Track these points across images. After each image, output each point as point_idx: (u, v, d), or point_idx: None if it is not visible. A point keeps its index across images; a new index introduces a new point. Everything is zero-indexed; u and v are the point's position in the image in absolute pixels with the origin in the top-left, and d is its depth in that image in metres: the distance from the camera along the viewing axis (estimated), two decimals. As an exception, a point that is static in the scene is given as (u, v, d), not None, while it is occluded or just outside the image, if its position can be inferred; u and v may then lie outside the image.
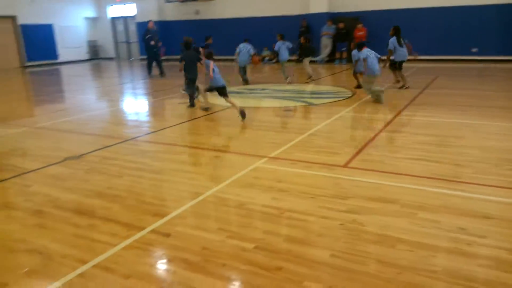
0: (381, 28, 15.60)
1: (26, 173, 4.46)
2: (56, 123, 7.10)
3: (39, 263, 2.66)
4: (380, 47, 15.61)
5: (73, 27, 21.35)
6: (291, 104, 8.17)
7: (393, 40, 9.18)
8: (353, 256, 2.63)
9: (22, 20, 18.96)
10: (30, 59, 19.39)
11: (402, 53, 9.14)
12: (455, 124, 6.05)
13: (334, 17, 16.32)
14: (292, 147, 5.10)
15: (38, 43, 19.41)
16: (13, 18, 18.78)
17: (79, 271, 2.55)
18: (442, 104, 7.47)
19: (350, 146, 5.05)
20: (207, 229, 3.06)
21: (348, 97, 8.65)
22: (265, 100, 8.84)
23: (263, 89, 10.33)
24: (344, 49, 15.88)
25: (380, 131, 5.73)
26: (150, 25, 15.05)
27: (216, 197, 3.65)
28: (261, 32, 18.37)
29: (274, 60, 17.69)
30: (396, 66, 9.29)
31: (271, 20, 18.03)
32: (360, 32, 15.36)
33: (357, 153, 4.77)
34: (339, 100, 8.38)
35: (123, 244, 2.86)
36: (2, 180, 4.28)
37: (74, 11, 21.35)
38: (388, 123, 6.12)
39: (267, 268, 2.52)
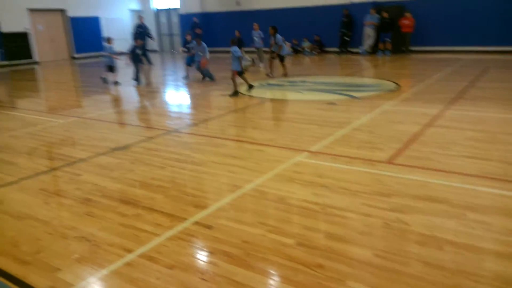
0: (428, 18, 15.00)
1: (76, 162, 4.68)
2: (103, 113, 7.37)
3: (88, 250, 2.79)
4: (426, 37, 15.11)
5: (118, 19, 21.99)
6: (332, 97, 8.04)
7: (280, 37, 11.10)
8: (397, 257, 2.56)
9: (71, 13, 19.75)
10: (78, 51, 20.20)
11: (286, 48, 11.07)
12: (506, 119, 5.73)
13: (377, 6, 15.82)
14: (333, 142, 5.02)
15: (85, 35, 20.16)
16: (62, 11, 19.60)
17: (125, 259, 2.65)
18: (492, 98, 7.09)
19: (394, 142, 4.91)
20: (248, 222, 3.08)
21: (392, 90, 8.39)
22: (305, 93, 8.75)
23: (303, 82, 10.22)
24: (388, 39, 15.39)
25: (427, 126, 5.52)
26: (141, 20, 15.54)
27: (256, 190, 3.67)
28: (302, 22, 18.14)
29: (314, 52, 17.45)
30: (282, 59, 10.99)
31: (312, 10, 17.75)
32: (406, 21, 14.81)
33: (402, 149, 4.63)
34: (383, 93, 8.15)
35: (166, 235, 2.94)
36: (54, 169, 4.51)
37: (119, 3, 21.97)
38: (435, 118, 5.89)
39: (308, 264, 2.51)
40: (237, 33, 14.66)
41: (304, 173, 4.02)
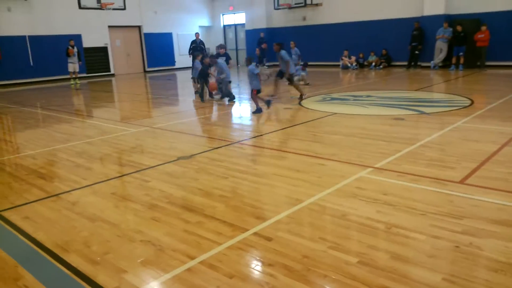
0: (505, 31, 14.04)
1: (145, 169, 4.92)
2: (171, 124, 7.71)
3: (153, 254, 2.89)
4: (503, 52, 14.10)
5: (189, 35, 23.04)
6: (399, 112, 7.74)
7: (285, 54, 9.55)
8: (469, 283, 2.37)
9: (146, 29, 21.06)
10: (150, 65, 21.43)
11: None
12: None
13: (451, 19, 15.10)
14: (400, 158, 4.81)
15: (158, 50, 21.35)
16: (139, 28, 20.96)
17: (187, 265, 2.71)
18: None
19: (467, 161, 4.60)
20: (308, 237, 3.03)
21: (466, 106, 7.91)
22: (370, 107, 8.52)
23: (368, 96, 9.97)
24: (461, 53, 14.59)
25: (504, 145, 5.12)
26: (197, 36, 15.83)
27: (317, 205, 3.61)
28: (369, 36, 17.81)
29: (381, 66, 17.00)
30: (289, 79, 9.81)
31: (380, 24, 17.36)
32: (482, 35, 13.96)
33: (476, 168, 4.32)
34: (455, 109, 7.70)
35: (227, 244, 2.97)
36: (125, 175, 4.78)
37: (191, 21, 23.06)
38: (514, 137, 5.44)
39: (371, 285, 2.40)
40: (257, 52, 14.62)
41: (367, 190, 3.89)
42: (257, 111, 8.32)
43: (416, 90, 10.77)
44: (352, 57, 17.83)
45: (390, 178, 4.18)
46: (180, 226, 3.31)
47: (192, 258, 2.80)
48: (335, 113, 7.91)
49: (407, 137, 5.78)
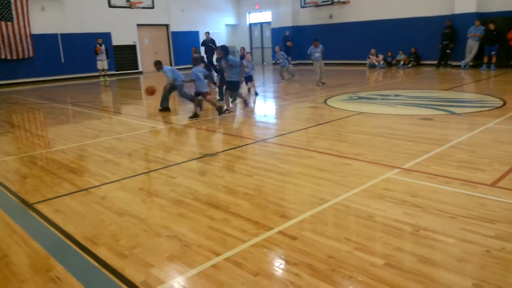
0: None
1: (171, 165, 4.99)
2: (197, 121, 7.78)
3: (179, 250, 2.93)
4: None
5: (215, 34, 23.21)
6: (429, 112, 7.57)
7: (233, 58, 8.60)
8: (502, 290, 2.30)
9: (174, 27, 21.32)
10: (177, 63, 21.68)
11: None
12: None
13: (483, 17, 14.64)
14: (428, 159, 4.71)
15: (185, 48, 21.57)
16: (167, 26, 21.25)
17: (212, 262, 2.74)
18: None
19: (500, 163, 4.45)
20: (334, 237, 3.00)
21: (497, 107, 7.65)
22: (398, 107, 8.36)
23: (396, 96, 9.79)
24: (493, 53, 14.13)
25: (540, 148, 4.93)
26: (207, 36, 15.76)
27: (343, 205, 3.57)
28: (397, 34, 17.49)
29: (410, 65, 16.66)
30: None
31: (409, 22, 17.01)
32: (516, 33, 13.48)
33: (509, 171, 4.17)
34: (486, 110, 7.47)
35: (252, 241, 2.98)
36: (152, 170, 4.86)
37: (217, 19, 23.21)
38: (550, 139, 5.23)
39: (398, 288, 2.36)
40: (277, 49, 14.45)
41: (394, 191, 3.82)
42: (194, 116, 7.95)
43: (446, 90, 10.50)
44: (379, 55, 17.54)
45: (418, 179, 4.09)
46: (206, 223, 3.34)
47: (218, 254, 2.82)
48: (362, 112, 7.80)
49: (436, 138, 5.64)
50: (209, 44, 16.13)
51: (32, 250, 3.04)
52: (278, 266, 2.68)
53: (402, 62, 16.96)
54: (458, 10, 15.33)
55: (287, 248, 2.88)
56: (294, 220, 3.32)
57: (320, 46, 12.20)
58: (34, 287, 2.56)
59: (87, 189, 4.31)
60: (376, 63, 17.46)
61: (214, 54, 15.34)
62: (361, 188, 3.94)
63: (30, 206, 3.92)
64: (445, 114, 7.34)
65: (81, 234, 3.24)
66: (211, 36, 16.74)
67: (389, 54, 17.54)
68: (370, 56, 17.65)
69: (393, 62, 17.46)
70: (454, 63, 15.63)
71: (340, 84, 12.42)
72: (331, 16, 19.87)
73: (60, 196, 4.12)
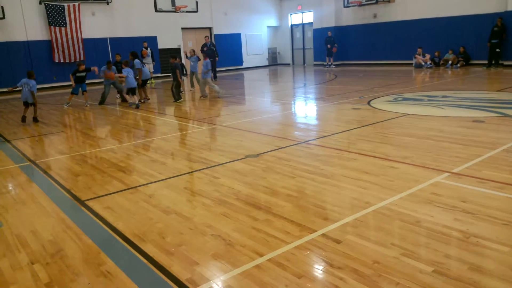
0: None
1: (214, 166, 5.07)
2: (239, 123, 7.87)
3: (223, 249, 2.98)
4: None
5: (257, 35, 23.38)
6: (479, 114, 7.22)
7: (138, 62, 11.77)
8: None
9: (217, 30, 21.67)
10: (219, 65, 21.98)
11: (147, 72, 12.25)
12: None
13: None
14: (480, 163, 4.50)
15: (227, 51, 21.87)
16: (210, 29, 21.63)
17: (255, 262, 2.76)
18: None
19: (560, 169, 4.18)
20: (380, 242, 2.94)
21: (558, 109, 7.18)
22: (447, 108, 8.04)
23: (444, 96, 9.42)
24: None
25: None
26: (206, 39, 16.40)
27: (389, 209, 3.48)
28: (445, 33, 16.85)
29: (458, 65, 15.99)
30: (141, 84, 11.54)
31: (459, 20, 16.33)
32: None
33: None
34: (544, 112, 7.03)
35: (295, 243, 2.97)
36: (196, 170, 4.96)
37: (259, 21, 23.35)
38: None
39: (448, 296, 2.28)
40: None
41: (444, 196, 3.68)
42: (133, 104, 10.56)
43: (497, 91, 9.98)
44: (426, 55, 16.95)
45: (469, 184, 3.92)
46: (249, 223, 3.37)
47: (261, 255, 2.84)
48: (408, 114, 7.58)
49: (488, 141, 5.38)
50: (211, 47, 16.32)
51: (84, 245, 3.19)
52: (322, 269, 2.66)
53: (450, 62, 16.30)
54: (511, 7, 14.52)
55: (331, 252, 2.85)
56: (338, 223, 3.28)
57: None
58: (87, 280, 2.69)
59: (135, 187, 4.47)
60: (423, 63, 16.88)
61: (215, 57, 15.74)
62: (408, 192, 3.83)
63: (82, 202, 4.12)
64: (497, 116, 6.98)
65: (130, 231, 3.37)
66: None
67: (437, 54, 16.92)
68: (417, 55, 17.10)
69: (441, 62, 16.82)
70: (506, 63, 14.83)
71: (384, 85, 12.12)
72: (375, 16, 19.44)
73: (110, 194, 4.31)
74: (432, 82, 12.73)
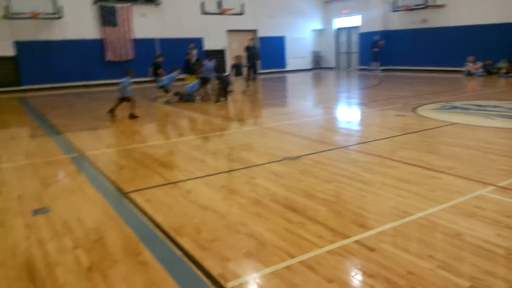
0: None
1: (252, 166, 5.13)
2: (279, 125, 7.90)
3: (255, 248, 3.02)
4: None
5: (301, 38, 23.29)
6: (533, 126, 6.84)
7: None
8: None
9: (261, 33, 21.81)
10: (263, 67, 22.12)
11: None
12: None
13: None
14: (530, 178, 4.27)
15: (271, 53, 21.94)
16: (255, 32, 21.82)
17: (286, 263, 2.78)
18: None
19: None
20: (415, 253, 2.87)
21: None
22: (497, 119, 7.67)
23: (495, 106, 8.98)
24: None
25: None
26: (250, 42, 16.21)
27: (428, 220, 3.39)
28: (500, 40, 16.03)
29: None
30: None
31: (515, 27, 15.47)
32: None
33: None
34: None
35: (328, 248, 2.96)
36: (234, 170, 5.04)
37: (303, 24, 23.25)
38: None
39: (485, 313, 2.19)
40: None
41: (487, 210, 3.53)
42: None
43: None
44: (478, 62, 16.21)
45: (516, 199, 3.74)
46: (282, 224, 3.39)
47: (292, 256, 2.85)
48: (455, 123, 7.30)
49: (542, 155, 5.09)
50: (253, 50, 16.39)
51: (124, 235, 3.34)
52: (354, 275, 2.64)
53: (504, 71, 15.49)
54: None
55: (364, 259, 2.82)
56: (373, 231, 3.23)
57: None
58: (125, 268, 2.82)
59: (175, 182, 4.61)
60: (474, 71, 16.16)
61: (257, 58, 15.62)
62: (450, 204, 3.70)
63: (125, 194, 4.30)
64: (554, 129, 6.57)
65: (168, 224, 3.49)
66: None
67: (489, 62, 16.14)
68: (468, 63, 16.39)
69: (494, 70, 16.03)
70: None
71: (431, 92, 11.73)
72: (424, 20, 18.83)
73: (151, 188, 4.47)
74: (483, 90, 12.17)
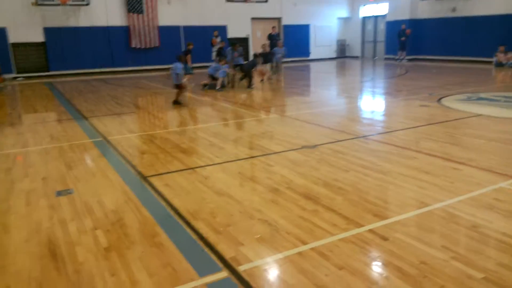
0: None
1: (270, 154, 5.16)
2: (300, 113, 7.88)
3: (268, 233, 3.06)
4: None
5: (326, 27, 22.97)
6: None
7: None
8: None
9: (286, 21, 21.61)
10: (287, 56, 21.96)
11: None
12: None
13: None
14: (556, 172, 4.13)
15: (295, 41, 21.75)
16: (279, 20, 21.64)
17: (298, 249, 2.81)
18: None
19: None
20: (429, 243, 2.84)
21: None
22: (527, 111, 7.42)
23: (526, 98, 8.68)
24: None
25: None
26: (273, 30, 16.13)
27: (445, 211, 3.34)
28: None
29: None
30: None
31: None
32: None
33: None
34: None
35: (340, 236, 2.97)
36: (252, 157, 5.08)
37: (329, 12, 22.90)
38: None
39: (496, 305, 2.17)
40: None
41: (507, 202, 3.45)
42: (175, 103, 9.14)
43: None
44: (509, 53, 15.62)
45: (539, 193, 3.64)
46: (297, 212, 3.42)
47: (304, 243, 2.88)
48: (481, 115, 7.10)
49: None
50: (276, 38, 16.30)
51: (142, 217, 3.44)
52: (365, 264, 2.65)
53: (537, 62, 14.88)
54: None
55: (376, 248, 2.82)
56: (388, 220, 3.21)
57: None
58: (141, 249, 2.91)
59: (193, 168, 4.69)
60: (504, 62, 15.59)
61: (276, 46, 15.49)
62: (469, 195, 3.64)
63: (145, 178, 4.41)
64: None
65: (184, 208, 3.56)
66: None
67: (520, 52, 15.52)
68: (498, 53, 15.82)
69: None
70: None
71: (458, 83, 11.41)
72: (454, 9, 18.24)
73: (170, 172, 4.56)
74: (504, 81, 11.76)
